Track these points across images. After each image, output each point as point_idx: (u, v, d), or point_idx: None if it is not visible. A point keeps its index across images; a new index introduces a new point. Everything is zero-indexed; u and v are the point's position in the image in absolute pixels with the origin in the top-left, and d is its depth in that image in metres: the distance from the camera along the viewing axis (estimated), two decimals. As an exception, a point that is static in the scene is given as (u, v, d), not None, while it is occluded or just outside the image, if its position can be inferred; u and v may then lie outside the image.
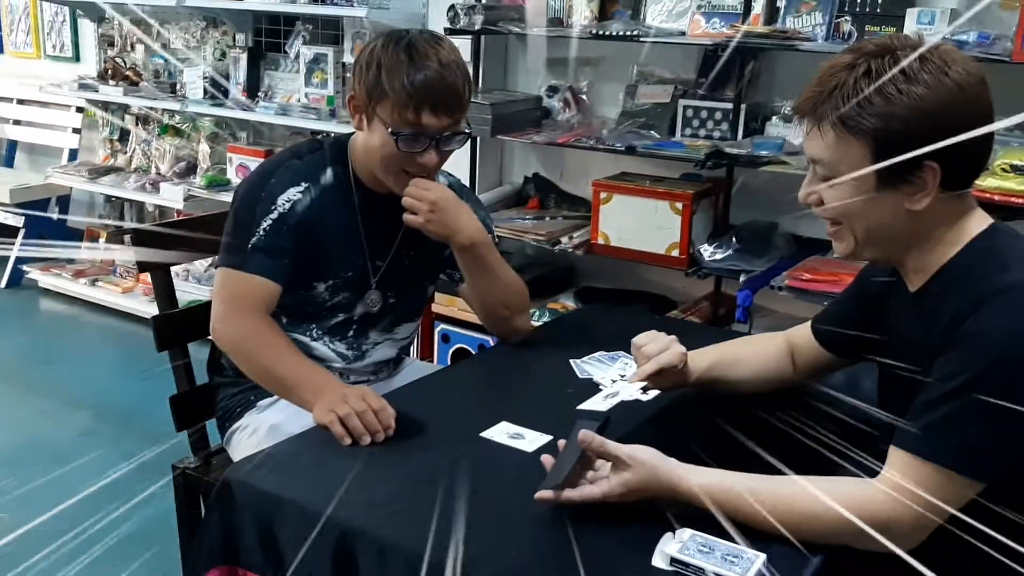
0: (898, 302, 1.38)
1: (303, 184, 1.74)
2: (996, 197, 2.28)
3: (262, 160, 3.99)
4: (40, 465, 3.00)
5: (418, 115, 1.62)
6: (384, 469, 1.39)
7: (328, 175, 1.77)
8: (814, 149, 1.26)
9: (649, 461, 1.25)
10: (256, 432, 1.82)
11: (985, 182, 2.31)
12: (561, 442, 1.33)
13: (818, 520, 1.19)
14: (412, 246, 1.85)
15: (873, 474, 1.22)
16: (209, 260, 4.22)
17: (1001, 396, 1.12)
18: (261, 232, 1.70)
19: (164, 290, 1.97)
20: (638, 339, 1.55)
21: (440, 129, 1.65)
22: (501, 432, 1.50)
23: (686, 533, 1.20)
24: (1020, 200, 2.27)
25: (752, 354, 1.65)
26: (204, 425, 2.00)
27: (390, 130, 1.63)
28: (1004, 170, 2.32)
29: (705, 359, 1.60)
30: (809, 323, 1.63)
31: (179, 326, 1.96)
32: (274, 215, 1.70)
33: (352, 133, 1.80)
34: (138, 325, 4.24)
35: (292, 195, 1.72)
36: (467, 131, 1.72)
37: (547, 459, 1.32)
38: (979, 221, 1.29)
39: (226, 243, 1.74)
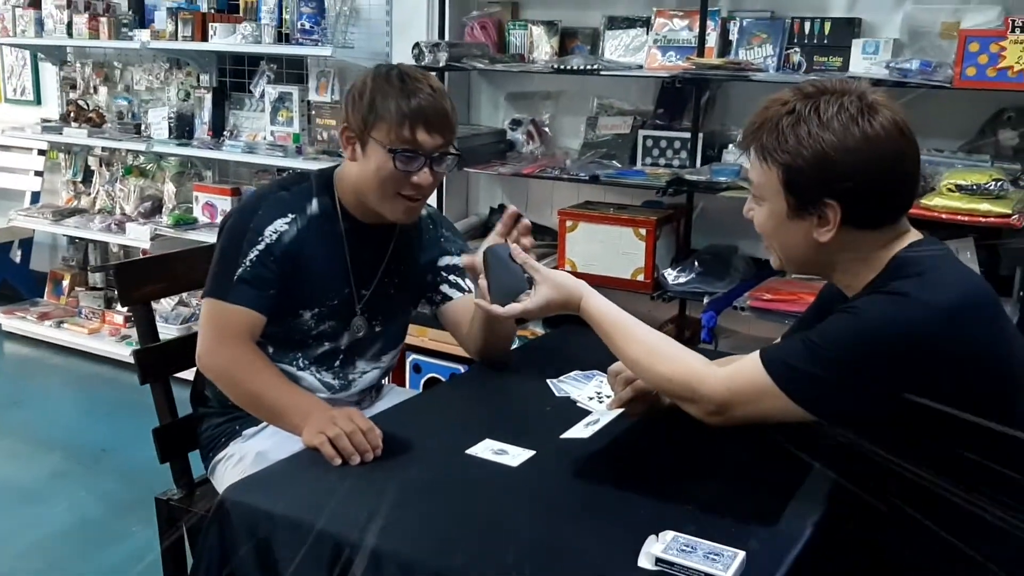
0: None
1: (290, 215, 1.79)
2: (943, 215, 2.40)
3: (230, 197, 4.05)
4: (12, 507, 2.98)
5: (413, 133, 1.70)
6: (374, 485, 1.44)
7: (314, 205, 1.83)
8: (749, 172, 1.41)
9: (564, 282, 1.54)
10: (242, 460, 1.84)
11: (932, 201, 2.43)
12: (482, 282, 1.61)
13: (652, 370, 1.44)
14: (396, 274, 1.91)
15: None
16: (176, 299, 4.25)
17: (847, 358, 1.27)
18: (247, 263, 1.75)
19: (145, 324, 2.01)
20: (614, 367, 1.63)
21: (434, 148, 1.73)
22: (486, 449, 1.56)
23: (669, 535, 1.26)
24: (965, 218, 2.39)
25: None
26: (187, 456, 2.02)
27: (388, 148, 1.70)
28: (950, 190, 2.44)
29: None
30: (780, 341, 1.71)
31: (161, 359, 1.99)
32: (261, 246, 1.76)
33: (337, 165, 1.87)
34: (105, 366, 4.23)
35: (279, 226, 1.78)
36: (458, 152, 1.80)
37: (483, 283, 1.61)
38: (903, 245, 1.38)
39: (213, 274, 1.78)
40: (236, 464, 1.86)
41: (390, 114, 1.69)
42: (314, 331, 1.85)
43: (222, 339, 1.75)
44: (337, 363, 1.91)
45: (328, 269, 1.83)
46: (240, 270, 1.74)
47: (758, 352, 1.36)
